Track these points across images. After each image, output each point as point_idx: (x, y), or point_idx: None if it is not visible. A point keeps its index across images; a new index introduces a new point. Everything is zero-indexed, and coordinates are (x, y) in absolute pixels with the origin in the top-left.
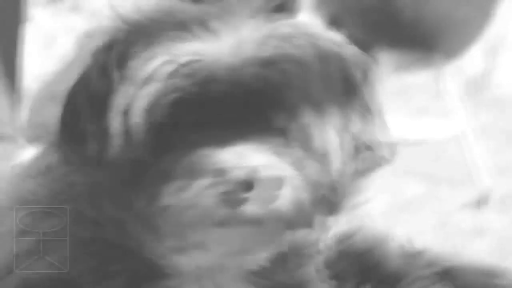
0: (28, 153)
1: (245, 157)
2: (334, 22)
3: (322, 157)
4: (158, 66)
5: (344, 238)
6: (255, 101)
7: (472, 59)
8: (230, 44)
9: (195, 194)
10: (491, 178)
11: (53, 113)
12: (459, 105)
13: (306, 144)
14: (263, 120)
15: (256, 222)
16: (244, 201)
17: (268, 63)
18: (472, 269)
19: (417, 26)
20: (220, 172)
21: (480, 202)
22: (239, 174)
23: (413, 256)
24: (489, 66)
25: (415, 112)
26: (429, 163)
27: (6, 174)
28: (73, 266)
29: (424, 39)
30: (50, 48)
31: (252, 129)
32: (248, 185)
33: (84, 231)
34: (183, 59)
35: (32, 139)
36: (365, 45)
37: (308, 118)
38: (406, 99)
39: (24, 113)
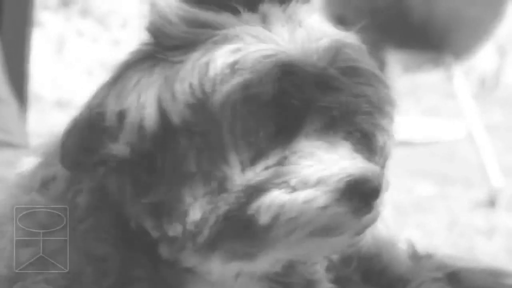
0: (30, 162)
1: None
2: (343, 22)
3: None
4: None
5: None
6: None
7: (483, 59)
8: (307, 48)
9: (324, 203)
10: (502, 178)
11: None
12: (470, 105)
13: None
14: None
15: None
16: (371, 210)
17: (348, 70)
18: (479, 271)
19: (427, 26)
20: (350, 182)
21: (491, 202)
22: (372, 183)
23: (421, 259)
24: (500, 66)
25: (426, 112)
26: (440, 163)
27: (11, 182)
28: (89, 283)
29: (434, 39)
30: (60, 52)
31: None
32: (376, 192)
33: (97, 249)
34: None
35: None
36: (375, 46)
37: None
38: (417, 99)
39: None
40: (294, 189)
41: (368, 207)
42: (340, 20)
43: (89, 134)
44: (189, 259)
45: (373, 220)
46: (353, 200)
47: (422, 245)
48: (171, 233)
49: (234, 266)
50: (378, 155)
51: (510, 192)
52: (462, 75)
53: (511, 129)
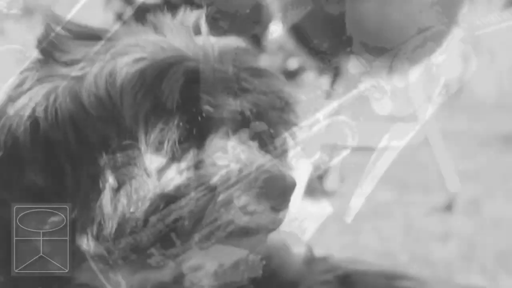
0: None
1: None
2: (300, 31)
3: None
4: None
5: None
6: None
7: (447, 64)
8: (208, 54)
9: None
10: (459, 183)
11: None
12: (427, 110)
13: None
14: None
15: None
16: (287, 206)
17: (250, 70)
18: (372, 273)
19: (382, 33)
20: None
21: (448, 207)
22: (289, 178)
23: (313, 262)
24: (463, 72)
25: (387, 118)
26: (399, 168)
27: None
28: None
29: (389, 46)
30: None
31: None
32: (293, 188)
33: None
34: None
35: None
36: (331, 53)
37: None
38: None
39: None
40: (213, 190)
41: (285, 203)
42: (298, 29)
43: (7, 167)
44: (82, 275)
45: (285, 217)
46: (271, 197)
47: (378, 251)
48: (84, 248)
49: (137, 279)
50: (278, 151)
51: (466, 197)
52: (422, 81)
53: (471, 135)
